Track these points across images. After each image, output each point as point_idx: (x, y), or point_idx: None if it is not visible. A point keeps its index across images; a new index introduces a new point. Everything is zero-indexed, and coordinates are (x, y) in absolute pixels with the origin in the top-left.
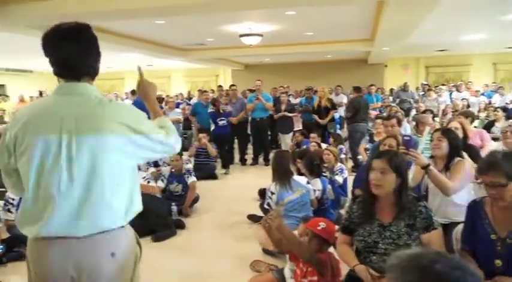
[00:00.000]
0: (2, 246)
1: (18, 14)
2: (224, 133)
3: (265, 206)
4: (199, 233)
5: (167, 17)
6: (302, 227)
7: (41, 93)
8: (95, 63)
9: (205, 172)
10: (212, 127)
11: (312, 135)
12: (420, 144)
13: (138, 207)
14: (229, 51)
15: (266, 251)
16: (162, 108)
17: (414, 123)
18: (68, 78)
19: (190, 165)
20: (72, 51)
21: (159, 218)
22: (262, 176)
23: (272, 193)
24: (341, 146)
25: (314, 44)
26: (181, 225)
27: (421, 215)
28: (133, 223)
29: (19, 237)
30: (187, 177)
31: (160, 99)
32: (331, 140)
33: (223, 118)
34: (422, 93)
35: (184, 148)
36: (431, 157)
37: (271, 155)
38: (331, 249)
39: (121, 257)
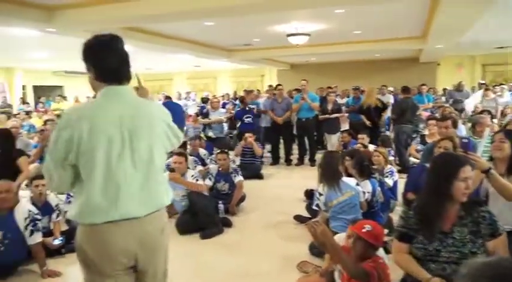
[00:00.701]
0: (61, 238)
1: (77, 18)
2: (251, 129)
3: (314, 207)
4: (246, 231)
5: (216, 18)
6: (350, 230)
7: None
8: (129, 69)
9: (251, 171)
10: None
11: (360, 135)
12: (479, 147)
13: (171, 193)
14: (275, 51)
15: (313, 252)
16: (204, 108)
17: (470, 124)
18: (111, 82)
19: (235, 165)
20: (115, 61)
21: (207, 215)
22: (307, 177)
23: (320, 194)
24: (389, 148)
25: (362, 42)
26: (228, 224)
27: (485, 221)
28: (184, 219)
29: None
30: (234, 176)
31: (205, 100)
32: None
33: (249, 115)
34: (478, 93)
35: (230, 147)
36: (491, 159)
37: (318, 156)
38: (380, 252)
39: (166, 232)
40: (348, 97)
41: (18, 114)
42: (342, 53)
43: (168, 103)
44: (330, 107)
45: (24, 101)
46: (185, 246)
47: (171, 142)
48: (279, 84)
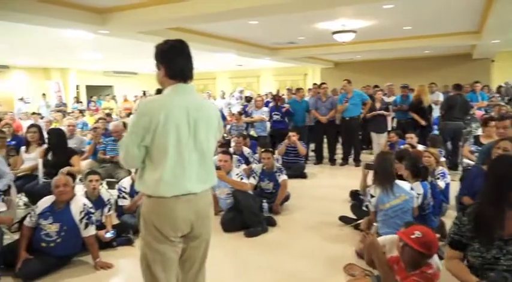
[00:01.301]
0: (113, 231)
1: (128, 20)
2: (282, 128)
3: (364, 208)
4: (290, 231)
5: (261, 17)
6: (398, 235)
7: (144, 93)
8: (193, 69)
9: (295, 171)
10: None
11: (409, 135)
12: None
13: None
14: (320, 49)
15: (361, 255)
16: (247, 107)
17: None
18: (179, 81)
19: (278, 164)
20: (183, 62)
21: (252, 214)
22: (352, 177)
23: (372, 196)
24: (440, 148)
25: (412, 38)
26: (272, 223)
27: None
28: (229, 217)
29: (127, 224)
30: (279, 175)
31: (248, 99)
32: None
33: (277, 113)
34: None
35: (271, 146)
36: None
37: (363, 156)
38: (433, 258)
39: (212, 206)
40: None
41: (73, 112)
42: (389, 50)
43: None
44: (377, 105)
45: (77, 100)
46: (229, 244)
47: (219, 134)
48: (323, 83)
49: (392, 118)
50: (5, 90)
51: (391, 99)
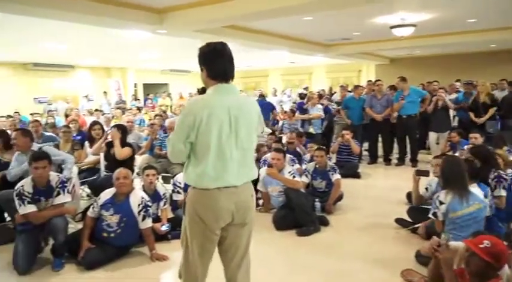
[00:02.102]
0: (168, 225)
1: (185, 19)
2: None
3: (430, 216)
4: (343, 232)
5: (316, 13)
6: (465, 243)
7: (198, 91)
8: (234, 70)
9: (348, 170)
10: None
11: (473, 135)
12: None
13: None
14: (376, 44)
15: (420, 261)
16: (303, 104)
17: None
18: (221, 81)
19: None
20: (225, 64)
21: (304, 213)
22: (408, 178)
23: (441, 203)
24: (508, 148)
25: (477, 32)
26: (324, 222)
27: None
28: (280, 215)
29: (182, 218)
30: (332, 174)
31: (302, 96)
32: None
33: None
34: None
35: (325, 144)
36: None
37: (420, 156)
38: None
39: (254, 197)
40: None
41: (131, 109)
42: (451, 45)
43: (259, 102)
44: (439, 103)
45: (135, 98)
46: (280, 242)
47: (260, 128)
48: (378, 80)
49: (454, 117)
50: (70, 88)
51: (453, 96)
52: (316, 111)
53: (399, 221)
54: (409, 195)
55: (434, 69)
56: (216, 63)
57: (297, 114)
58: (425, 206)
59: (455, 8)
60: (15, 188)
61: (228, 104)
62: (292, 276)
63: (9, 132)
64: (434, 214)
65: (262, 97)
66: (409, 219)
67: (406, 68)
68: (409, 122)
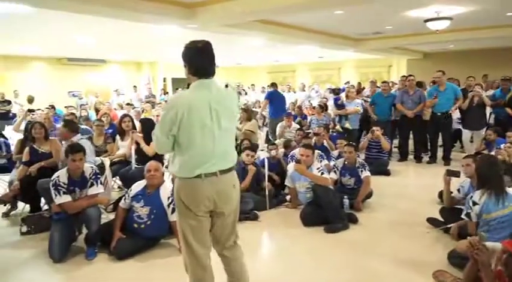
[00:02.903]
0: None
1: (215, 14)
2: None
3: (463, 217)
4: (372, 230)
5: (347, 6)
6: (503, 245)
7: (226, 86)
8: (215, 67)
9: (377, 167)
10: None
11: (510, 133)
12: None
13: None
14: (408, 38)
15: (453, 262)
16: (339, 100)
17: None
18: (203, 77)
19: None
20: (206, 62)
21: (332, 209)
22: (440, 177)
23: (475, 203)
24: None
25: None
26: (353, 220)
27: None
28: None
29: None
30: (361, 170)
31: (336, 91)
32: None
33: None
34: None
35: (354, 140)
36: None
37: (453, 154)
38: None
39: (237, 187)
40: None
41: (160, 103)
42: (488, 39)
43: (273, 92)
44: (475, 100)
45: (164, 92)
46: (308, 238)
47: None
48: (410, 75)
49: (490, 114)
50: (102, 82)
51: (489, 93)
52: (354, 106)
53: (431, 221)
54: (441, 194)
55: (469, 64)
56: (198, 61)
57: (334, 109)
58: (459, 207)
59: (494, 0)
60: (52, 178)
61: (209, 98)
62: (319, 272)
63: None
64: (468, 215)
65: (274, 86)
66: (441, 219)
67: (440, 62)
68: (443, 119)
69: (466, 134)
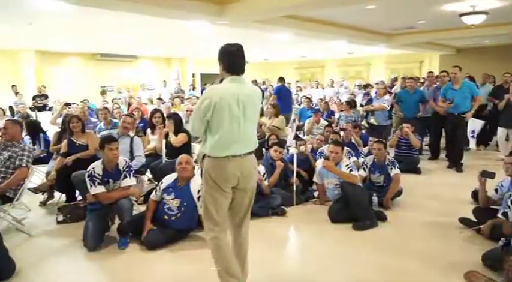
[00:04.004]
0: None
1: (245, 10)
2: None
3: (500, 216)
4: (402, 228)
5: (381, 0)
6: None
7: (255, 82)
8: (245, 65)
9: (407, 165)
10: None
11: None
12: None
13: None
14: (442, 33)
15: (488, 264)
16: (368, 95)
17: None
18: (235, 74)
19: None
20: (236, 60)
21: (360, 207)
22: (472, 176)
23: None
24: None
25: None
26: (382, 218)
27: None
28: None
29: None
30: (391, 168)
31: (366, 86)
32: None
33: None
34: None
35: (384, 137)
36: None
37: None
38: None
39: (256, 167)
40: None
41: (189, 98)
42: None
43: (281, 87)
44: None
45: (193, 87)
46: (335, 235)
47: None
48: (443, 71)
49: None
50: (133, 77)
51: None
52: (382, 102)
53: (464, 221)
54: (474, 194)
55: (505, 60)
56: (230, 60)
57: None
58: (495, 207)
59: None
60: (87, 169)
61: (237, 91)
62: (346, 270)
63: None
64: (505, 214)
65: (282, 81)
66: (474, 220)
67: (474, 58)
68: (457, 120)
69: (501, 132)
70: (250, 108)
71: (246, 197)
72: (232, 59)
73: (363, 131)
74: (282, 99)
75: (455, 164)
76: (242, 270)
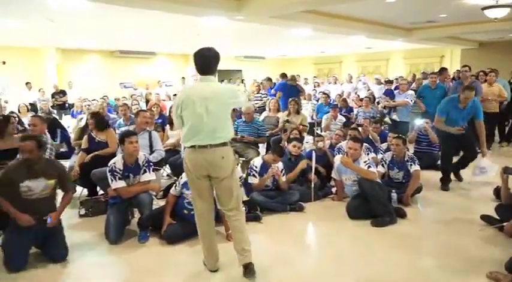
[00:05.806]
0: (244, 207)
1: (262, 5)
2: None
3: None
4: (421, 225)
5: None
6: None
7: (270, 79)
8: (215, 67)
9: (427, 161)
10: None
11: None
12: None
13: (231, 135)
14: (464, 27)
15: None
16: (389, 91)
17: None
18: (204, 74)
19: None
20: (208, 63)
21: (379, 203)
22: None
23: None
24: None
25: None
26: (401, 214)
27: None
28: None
29: (256, 201)
30: (410, 164)
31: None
32: None
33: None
34: None
35: (403, 133)
36: None
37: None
38: None
39: (226, 158)
40: None
41: None
42: None
43: (284, 83)
44: None
45: None
46: (354, 231)
47: (236, 105)
48: (465, 65)
49: None
50: (151, 74)
51: None
52: (404, 97)
53: (485, 218)
54: (496, 191)
55: None
56: (199, 62)
57: (382, 101)
58: None
59: None
60: (108, 164)
61: (204, 89)
62: (364, 266)
63: None
64: None
65: (284, 77)
66: (497, 217)
67: (497, 52)
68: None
69: None
70: (214, 104)
71: (221, 185)
72: (201, 61)
73: (384, 128)
74: (284, 95)
75: (457, 176)
76: (242, 251)
